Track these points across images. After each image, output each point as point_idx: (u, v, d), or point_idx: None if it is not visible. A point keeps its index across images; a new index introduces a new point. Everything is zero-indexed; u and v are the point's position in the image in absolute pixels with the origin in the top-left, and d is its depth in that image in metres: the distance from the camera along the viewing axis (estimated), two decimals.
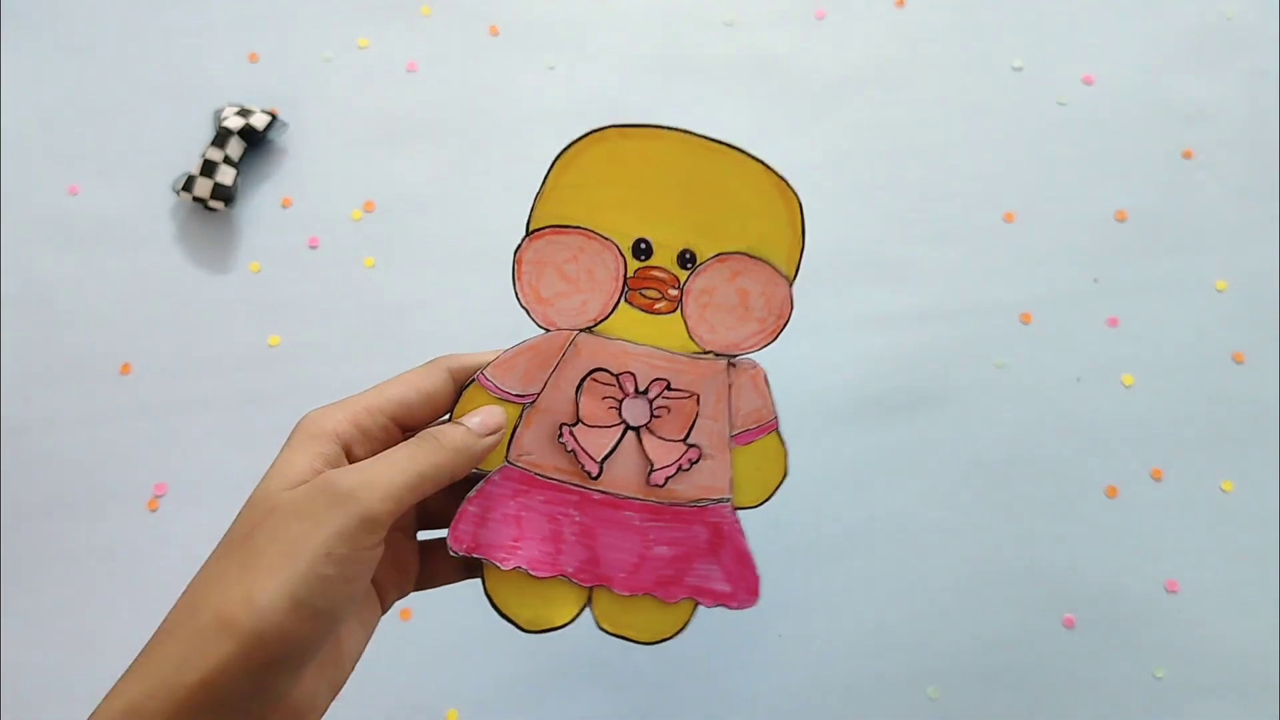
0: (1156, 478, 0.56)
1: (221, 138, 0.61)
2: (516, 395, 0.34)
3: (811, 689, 0.53)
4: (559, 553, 0.34)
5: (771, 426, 0.35)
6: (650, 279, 0.34)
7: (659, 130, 0.34)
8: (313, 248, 0.62)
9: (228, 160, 0.61)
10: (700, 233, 0.34)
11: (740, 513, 0.35)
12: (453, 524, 0.34)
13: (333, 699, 0.31)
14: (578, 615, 0.35)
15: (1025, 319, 0.60)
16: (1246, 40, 0.64)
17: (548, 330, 0.35)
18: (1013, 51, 0.65)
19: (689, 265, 0.34)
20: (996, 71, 0.65)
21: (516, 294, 0.35)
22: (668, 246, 0.34)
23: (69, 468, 0.58)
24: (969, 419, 0.58)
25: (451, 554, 0.34)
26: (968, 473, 0.57)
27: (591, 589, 0.35)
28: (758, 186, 0.34)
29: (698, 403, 0.34)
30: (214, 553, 0.30)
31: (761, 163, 0.34)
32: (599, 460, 0.34)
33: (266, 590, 0.26)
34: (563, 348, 0.34)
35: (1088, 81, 0.64)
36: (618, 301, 0.34)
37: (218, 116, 0.62)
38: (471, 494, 0.34)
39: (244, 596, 0.26)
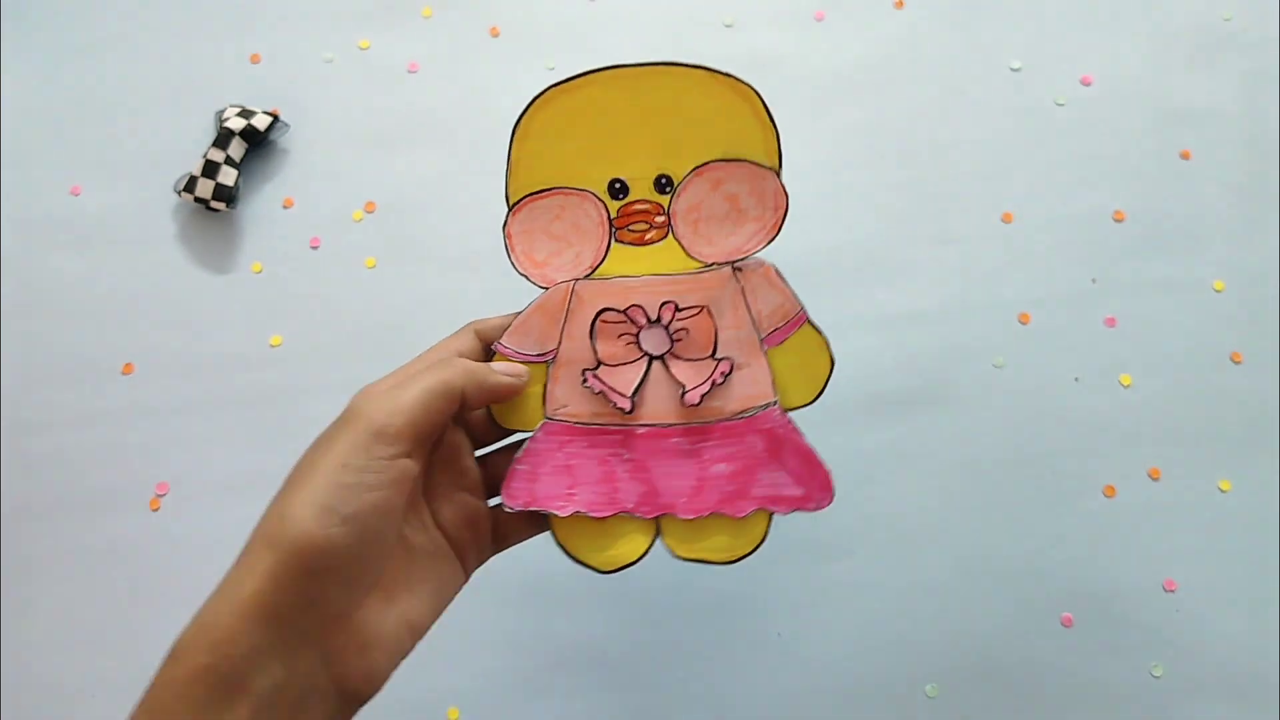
0: (1154, 477, 0.57)
1: (223, 138, 0.61)
2: (536, 355, 0.35)
3: (811, 688, 0.54)
4: (615, 491, 0.35)
5: (800, 319, 0.35)
6: (633, 213, 0.35)
7: (594, 75, 0.34)
8: (314, 248, 0.62)
9: (229, 161, 0.61)
10: (668, 155, 0.35)
11: (795, 414, 0.35)
12: (505, 483, 0.35)
13: (411, 642, 0.33)
14: (649, 548, 0.35)
15: (1023, 319, 0.60)
16: (1245, 41, 0.65)
17: (546, 289, 0.35)
18: (1011, 52, 0.65)
19: (667, 189, 0.35)
20: (995, 72, 0.65)
21: (513, 265, 0.35)
22: (641, 178, 0.35)
23: (70, 468, 0.58)
24: (967, 419, 0.58)
25: (508, 510, 0.35)
26: (966, 472, 0.57)
27: (657, 520, 0.35)
28: (709, 92, 0.34)
29: (711, 316, 0.35)
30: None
31: (704, 68, 0.34)
32: (629, 395, 0.34)
33: (294, 503, 0.30)
34: (565, 299, 0.35)
35: (1086, 82, 0.64)
36: (609, 244, 0.35)
37: (219, 117, 0.63)
38: (519, 454, 0.35)
39: (278, 514, 0.30)
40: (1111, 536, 0.56)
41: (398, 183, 0.63)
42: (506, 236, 0.35)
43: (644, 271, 0.35)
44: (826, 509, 0.35)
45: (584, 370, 0.35)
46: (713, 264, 0.35)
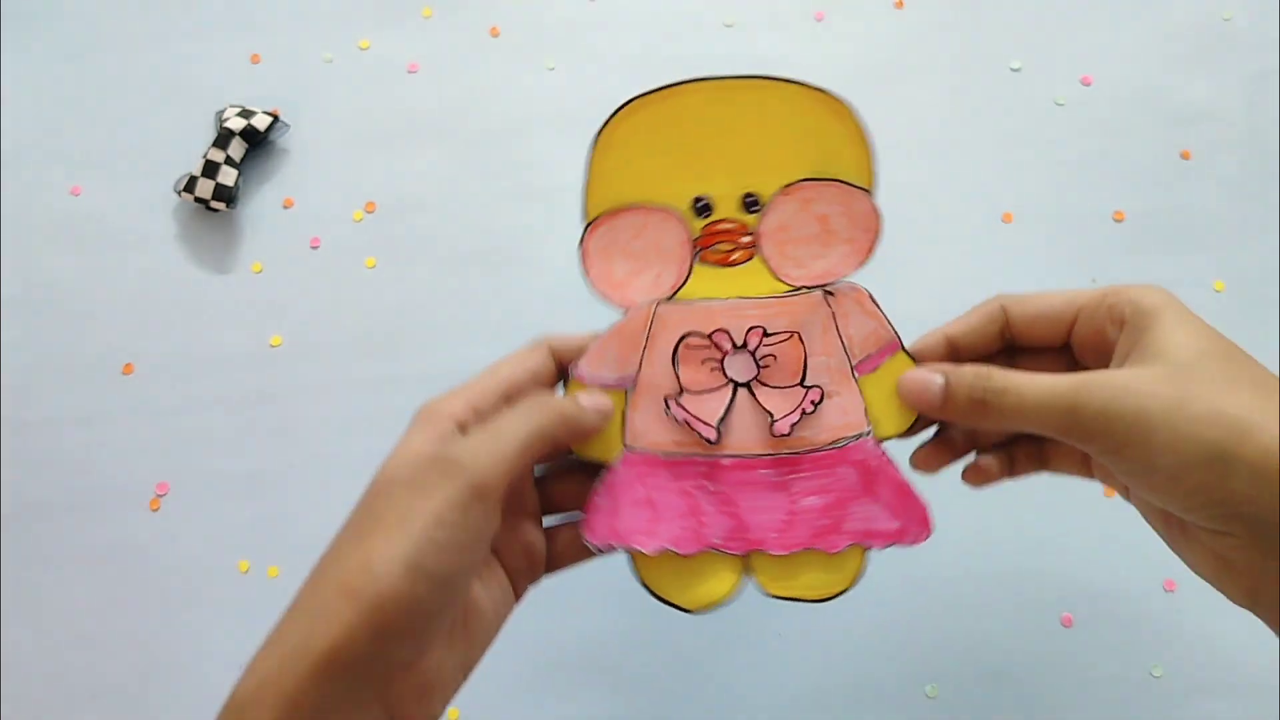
0: None
1: (223, 139, 0.61)
2: (615, 381, 0.33)
3: (811, 688, 0.54)
4: (701, 526, 0.33)
5: (894, 346, 0.33)
6: (718, 233, 0.33)
7: (681, 86, 0.33)
8: (314, 248, 0.62)
9: (229, 161, 0.61)
10: (756, 173, 0.33)
11: (887, 444, 0.33)
12: (585, 521, 0.33)
13: (464, 679, 0.32)
14: (739, 586, 0.33)
15: None
16: (1245, 41, 0.65)
17: (626, 310, 0.34)
18: (1011, 52, 0.65)
19: (754, 208, 0.33)
20: (995, 72, 0.65)
21: (589, 285, 0.34)
22: (727, 197, 0.33)
23: (70, 468, 0.58)
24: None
25: (594, 551, 0.33)
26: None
27: (746, 556, 0.33)
28: (800, 107, 0.33)
29: (801, 341, 0.33)
30: (338, 532, 0.30)
31: (796, 82, 0.32)
32: (715, 424, 0.32)
33: (383, 557, 0.27)
34: (646, 323, 0.33)
35: (1086, 82, 0.64)
36: (691, 265, 0.33)
37: (219, 117, 0.63)
38: (597, 486, 0.33)
39: (362, 564, 0.27)
40: (1111, 536, 0.55)
41: (398, 183, 0.63)
42: (583, 255, 0.34)
43: (729, 294, 0.33)
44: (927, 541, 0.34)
45: (666, 398, 0.33)
46: (802, 287, 0.33)
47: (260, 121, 0.62)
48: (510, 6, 0.67)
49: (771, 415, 0.32)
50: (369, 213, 0.63)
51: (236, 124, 0.62)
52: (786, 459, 0.33)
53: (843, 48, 0.66)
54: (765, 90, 0.32)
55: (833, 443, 0.33)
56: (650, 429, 0.33)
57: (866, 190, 0.33)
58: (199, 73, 0.66)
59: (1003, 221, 0.62)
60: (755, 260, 0.33)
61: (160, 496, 0.58)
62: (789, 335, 0.33)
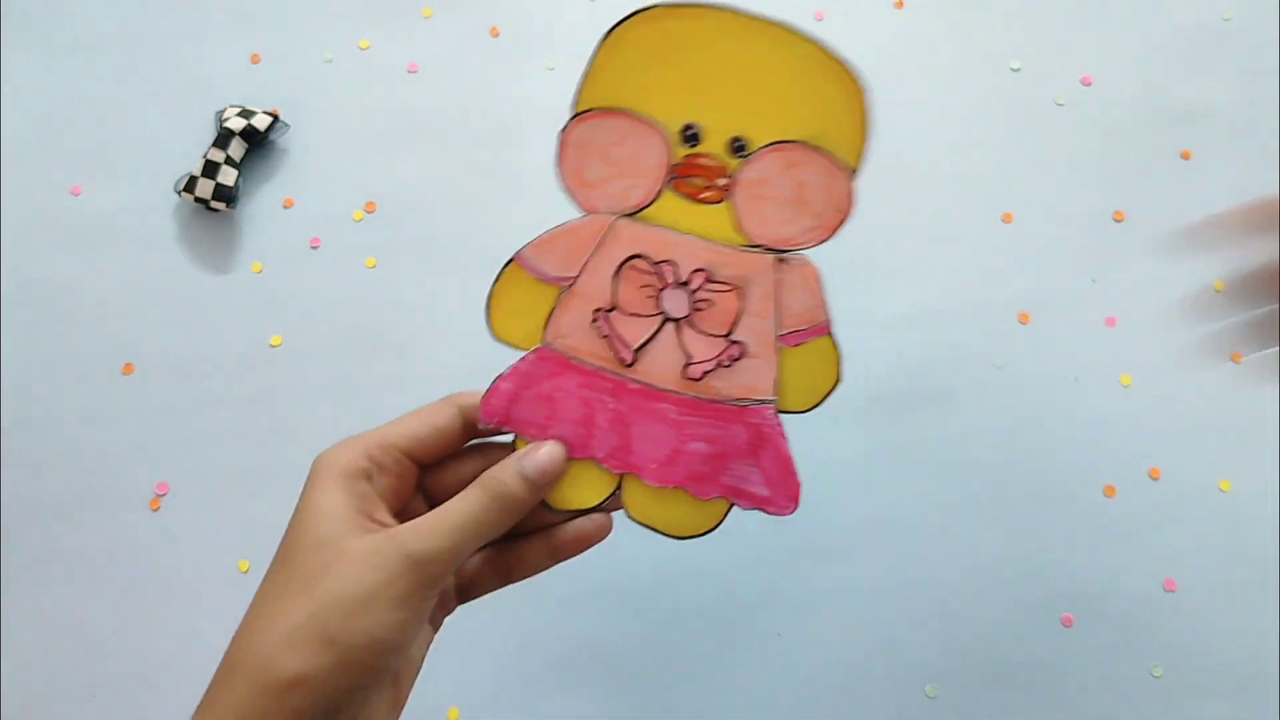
0: (1154, 477, 0.57)
1: (223, 139, 0.61)
2: (554, 277, 0.34)
3: (811, 688, 0.54)
4: (590, 437, 0.33)
5: (824, 329, 0.33)
6: (697, 166, 0.33)
7: (708, 8, 0.32)
8: (314, 248, 0.62)
9: (229, 161, 0.61)
10: (753, 119, 0.32)
11: (784, 417, 0.34)
12: (485, 396, 0.33)
13: (398, 716, 0.33)
14: (605, 501, 0.34)
15: (1023, 319, 0.60)
16: (1244, 41, 0.65)
17: (587, 214, 0.33)
18: (1011, 52, 0.65)
19: (740, 153, 0.33)
20: (995, 72, 0.65)
21: (559, 176, 0.33)
22: (718, 133, 0.32)
23: (70, 468, 0.58)
24: (967, 419, 0.58)
25: (481, 426, 0.34)
26: (966, 472, 0.57)
27: (621, 477, 0.34)
28: (817, 71, 0.32)
29: (741, 297, 0.33)
30: (269, 590, 0.30)
31: (822, 45, 0.32)
32: (634, 348, 0.33)
33: (335, 645, 0.28)
34: (600, 232, 0.33)
35: (1086, 82, 0.64)
36: (662, 189, 0.33)
37: (219, 117, 0.63)
38: (506, 370, 0.34)
39: (313, 647, 0.28)
40: (1111, 536, 0.56)
41: (398, 183, 0.63)
42: (560, 144, 0.33)
43: (688, 230, 0.33)
44: (790, 515, 0.34)
45: (596, 309, 0.33)
46: (758, 246, 0.33)
47: (260, 121, 0.62)
48: (510, 6, 0.67)
49: (690, 357, 0.33)
50: (369, 213, 0.63)
51: (236, 124, 0.62)
52: (689, 401, 0.33)
53: (843, 47, 0.65)
54: (788, 40, 0.32)
55: (737, 399, 0.33)
56: (572, 333, 0.34)
57: (852, 172, 0.33)
58: (199, 73, 0.66)
59: (1003, 221, 0.62)
60: (724, 205, 0.33)
61: (160, 496, 0.58)
62: (731, 288, 0.33)
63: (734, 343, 0.33)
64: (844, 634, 0.54)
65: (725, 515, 0.34)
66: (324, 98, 0.65)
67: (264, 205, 0.63)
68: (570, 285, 0.33)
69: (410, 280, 0.61)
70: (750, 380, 0.33)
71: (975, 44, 0.65)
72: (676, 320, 0.33)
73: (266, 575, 0.31)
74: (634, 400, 0.33)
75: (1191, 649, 0.53)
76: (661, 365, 0.33)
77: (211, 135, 0.63)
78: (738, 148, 0.33)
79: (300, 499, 0.32)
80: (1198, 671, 0.53)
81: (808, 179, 0.33)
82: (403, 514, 0.33)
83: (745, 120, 0.32)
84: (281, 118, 0.63)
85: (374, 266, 0.62)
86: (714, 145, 0.33)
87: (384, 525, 0.31)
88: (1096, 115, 0.63)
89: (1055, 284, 0.60)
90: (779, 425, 0.34)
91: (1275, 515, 0.56)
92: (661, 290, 0.33)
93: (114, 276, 0.62)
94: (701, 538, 0.34)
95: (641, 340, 0.33)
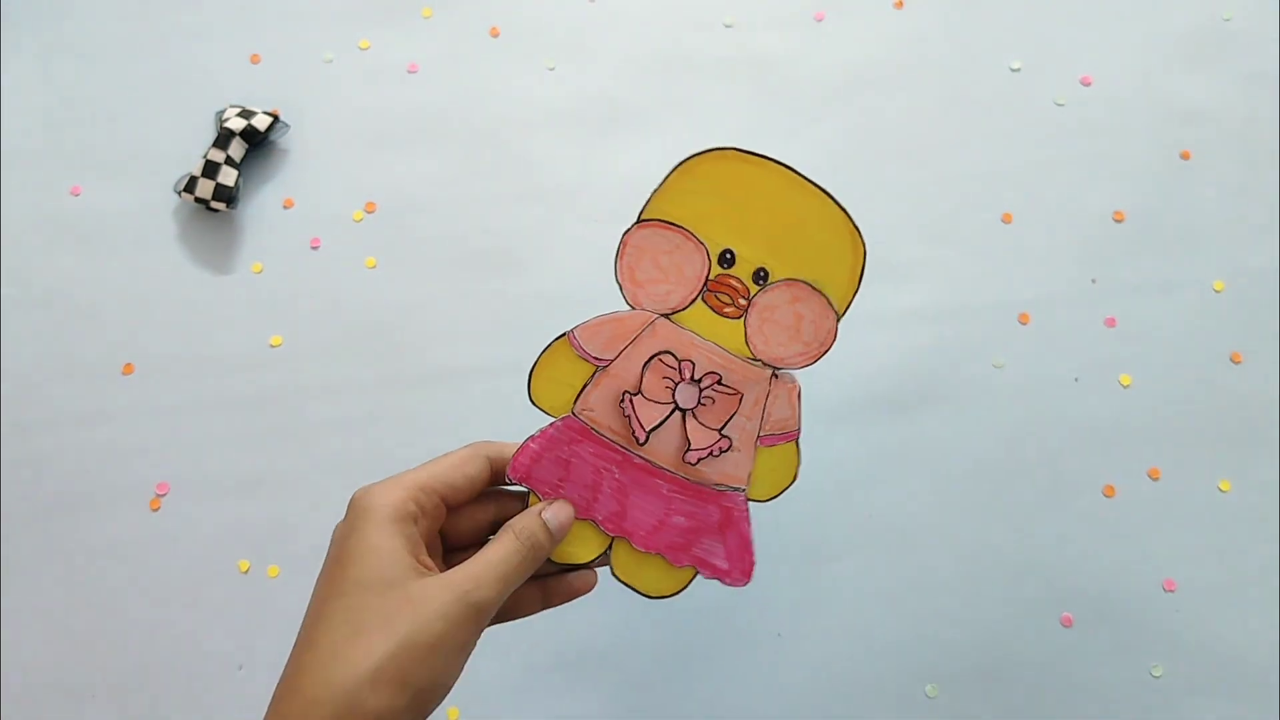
0: (1154, 477, 0.57)
1: (223, 139, 0.61)
2: (595, 357, 0.39)
3: (811, 688, 0.54)
4: (595, 500, 0.39)
5: (793, 436, 0.39)
6: (727, 286, 0.39)
7: (769, 162, 0.38)
8: (314, 248, 0.62)
9: (229, 161, 0.61)
10: (777, 256, 0.39)
11: (751, 504, 0.39)
12: (516, 455, 0.38)
13: None
14: (596, 559, 0.39)
15: (1023, 319, 0.60)
16: (1244, 41, 0.65)
17: (634, 308, 0.39)
18: (1011, 52, 0.65)
19: (761, 281, 0.39)
20: (994, 72, 0.65)
21: (616, 271, 0.39)
22: (747, 261, 0.39)
23: (70, 468, 0.58)
24: (967, 419, 0.58)
25: (507, 480, 0.39)
26: (966, 472, 0.57)
27: (613, 539, 0.39)
28: (834, 229, 0.38)
29: (739, 401, 0.39)
30: (340, 624, 0.32)
31: (845, 211, 0.38)
32: (648, 430, 0.38)
33: (410, 687, 0.31)
34: (642, 326, 0.39)
35: (1086, 82, 0.64)
36: (696, 298, 0.39)
37: (219, 118, 0.63)
38: (536, 433, 0.39)
39: (395, 688, 0.30)
40: (1111, 536, 0.56)
41: (398, 183, 0.63)
42: (622, 244, 0.39)
43: (709, 336, 0.39)
44: (743, 588, 0.40)
45: (624, 391, 0.39)
46: (759, 360, 0.39)
47: (260, 121, 0.62)
48: (510, 6, 0.67)
49: (689, 444, 0.39)
50: (369, 213, 0.63)
51: (236, 124, 0.62)
52: (681, 481, 0.39)
53: (843, 48, 0.66)
54: (820, 200, 0.38)
55: (717, 484, 0.39)
56: (599, 407, 0.39)
57: (837, 315, 0.39)
58: (199, 73, 0.66)
59: (1002, 222, 0.62)
60: (740, 321, 0.39)
61: (160, 496, 0.58)
62: (734, 392, 0.39)
63: (724, 437, 0.39)
64: (844, 634, 0.54)
65: (690, 581, 0.40)
66: (324, 98, 0.65)
67: (264, 205, 0.63)
68: (606, 366, 0.39)
69: (410, 280, 0.61)
70: (731, 470, 0.39)
71: (975, 44, 0.65)
72: (684, 410, 0.39)
73: (328, 605, 0.32)
74: (635, 474, 0.39)
75: (1191, 649, 0.53)
76: (665, 447, 0.39)
77: (211, 135, 0.63)
78: (760, 276, 0.39)
79: (354, 535, 0.33)
80: (1197, 671, 0.53)
81: (805, 313, 0.39)
82: (429, 552, 0.36)
83: (771, 255, 0.39)
84: (281, 118, 0.63)
85: (374, 266, 0.62)
86: (743, 270, 0.39)
87: (429, 568, 0.34)
88: (1096, 115, 0.63)
89: (1055, 284, 0.60)
90: (746, 510, 0.39)
91: (1276, 515, 0.56)
92: (678, 384, 0.39)
93: (114, 276, 0.62)
94: (670, 598, 0.40)
95: (655, 423, 0.38)
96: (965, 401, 0.58)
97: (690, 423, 0.39)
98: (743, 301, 0.39)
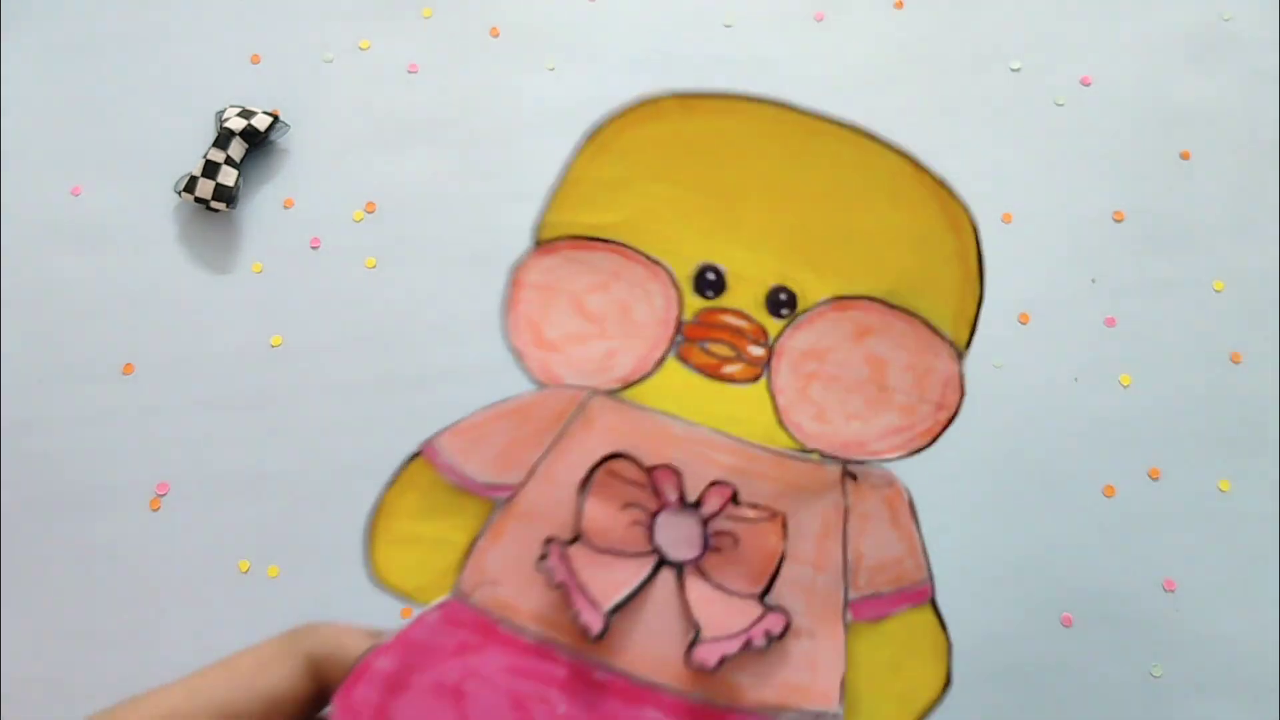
0: (1154, 477, 0.57)
1: (223, 139, 0.61)
2: (482, 484, 0.22)
3: None
4: None
5: (923, 594, 0.23)
6: (720, 326, 0.22)
7: (740, 101, 0.22)
8: (314, 248, 0.62)
9: (229, 161, 0.61)
10: (802, 261, 0.22)
11: None
12: (344, 687, 0.20)
13: None
14: None
15: (1023, 319, 0.60)
16: (1244, 41, 0.65)
17: (544, 386, 0.22)
18: (1011, 52, 0.65)
19: (784, 311, 0.22)
20: (994, 72, 0.65)
21: (505, 331, 0.23)
22: (751, 280, 0.22)
23: (70, 468, 0.58)
24: (967, 419, 0.58)
25: None
26: (966, 472, 0.57)
27: None
28: (901, 192, 0.23)
29: (784, 534, 0.21)
30: None
31: (907, 155, 0.22)
32: (606, 609, 0.20)
33: None
34: (565, 416, 0.22)
35: (1085, 82, 0.64)
36: (664, 356, 0.22)
37: (219, 118, 0.63)
38: (386, 638, 0.20)
39: None
40: (1111, 536, 0.56)
41: (398, 183, 0.63)
42: (513, 285, 0.23)
43: (704, 420, 0.22)
44: None
45: (548, 539, 0.21)
46: (814, 451, 0.22)
47: (260, 121, 0.62)
48: (510, 6, 0.67)
49: (698, 630, 0.20)
50: (369, 213, 0.63)
51: (236, 124, 0.62)
52: (696, 708, 0.20)
53: (843, 48, 0.66)
54: (860, 149, 0.22)
55: (777, 709, 0.20)
56: (507, 578, 0.21)
57: (957, 349, 0.23)
58: (199, 73, 0.66)
59: (1001, 222, 0.62)
60: (760, 384, 0.22)
61: (160, 496, 0.58)
62: (770, 515, 0.21)
63: (771, 609, 0.21)
64: None
65: None
66: (324, 98, 0.65)
67: (264, 205, 0.63)
68: (509, 500, 0.22)
69: (410, 280, 0.61)
70: (798, 677, 0.21)
71: (975, 44, 0.65)
72: (679, 565, 0.21)
73: None
74: (599, 703, 0.20)
75: (1191, 649, 0.53)
76: (651, 644, 0.20)
77: (211, 135, 0.63)
78: (782, 302, 0.22)
79: None
80: (1197, 671, 0.53)
81: (889, 356, 0.22)
82: None
83: (792, 264, 0.22)
84: (281, 118, 0.63)
85: (374, 266, 0.62)
86: (744, 297, 0.22)
87: None
88: (1096, 115, 0.63)
89: (1055, 284, 0.60)
90: None
91: (1276, 515, 0.56)
92: (656, 515, 0.21)
93: (115, 277, 0.62)
94: None
95: (620, 597, 0.20)
96: (965, 401, 0.58)
97: (696, 587, 0.21)
98: (757, 351, 0.22)
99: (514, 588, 0.21)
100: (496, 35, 0.67)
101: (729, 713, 0.20)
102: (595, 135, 0.23)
